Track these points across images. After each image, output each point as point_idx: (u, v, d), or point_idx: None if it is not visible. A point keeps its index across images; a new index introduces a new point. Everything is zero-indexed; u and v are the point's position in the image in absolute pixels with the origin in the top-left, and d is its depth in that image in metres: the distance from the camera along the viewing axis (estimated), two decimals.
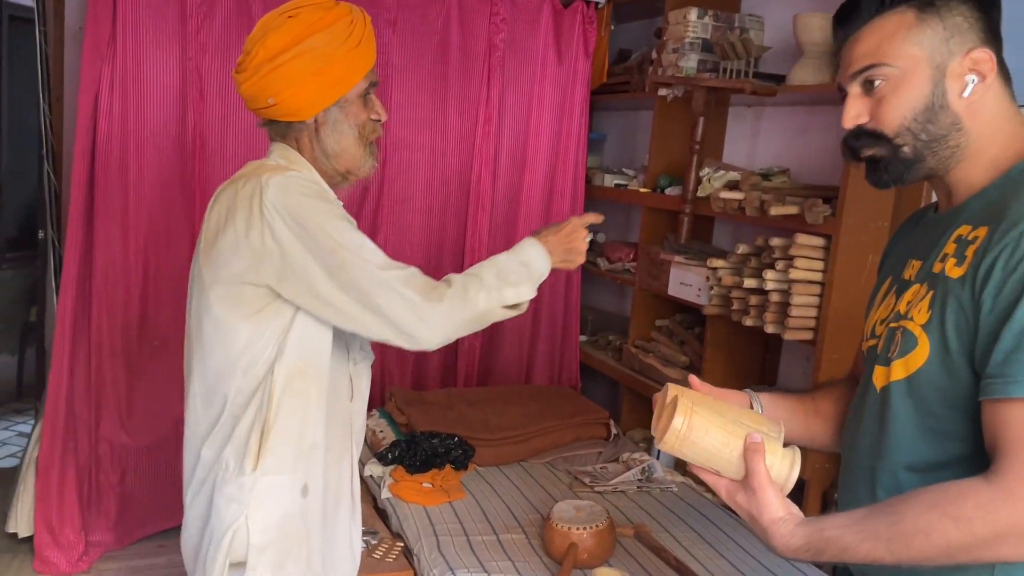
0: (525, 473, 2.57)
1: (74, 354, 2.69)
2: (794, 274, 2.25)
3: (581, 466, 2.62)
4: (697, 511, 2.36)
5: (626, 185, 3.27)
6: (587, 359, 3.40)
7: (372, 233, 3.05)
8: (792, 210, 2.29)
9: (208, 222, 1.48)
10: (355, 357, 1.63)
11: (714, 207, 2.58)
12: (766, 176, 2.60)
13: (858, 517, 1.01)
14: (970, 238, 1.01)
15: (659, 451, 2.87)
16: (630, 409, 3.17)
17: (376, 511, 2.37)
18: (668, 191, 2.92)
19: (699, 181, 2.71)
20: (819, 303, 2.26)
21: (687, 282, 2.73)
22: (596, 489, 2.44)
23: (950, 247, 1.04)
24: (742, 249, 2.44)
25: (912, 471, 1.06)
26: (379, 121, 1.58)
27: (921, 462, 1.06)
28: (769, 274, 2.30)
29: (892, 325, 1.10)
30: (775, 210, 2.31)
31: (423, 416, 2.66)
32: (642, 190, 3.07)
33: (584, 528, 1.98)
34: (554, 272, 3.39)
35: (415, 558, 2.08)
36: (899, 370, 1.07)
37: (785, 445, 1.11)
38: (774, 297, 2.31)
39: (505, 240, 3.27)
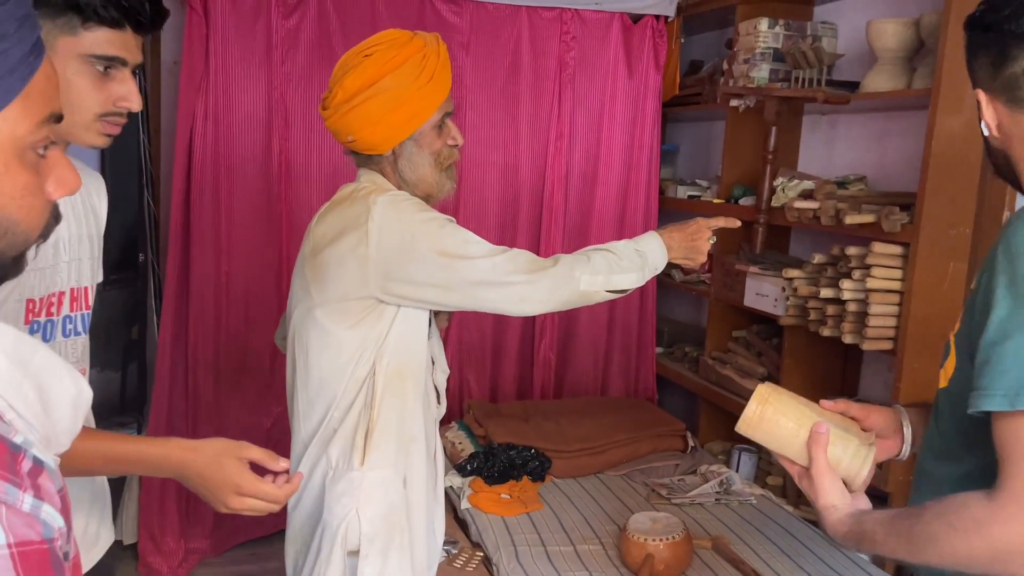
0: (602, 485, 2.59)
1: (173, 370, 2.86)
2: (871, 283, 2.22)
3: (658, 478, 2.63)
4: (776, 523, 2.34)
5: (700, 196, 3.26)
6: (663, 371, 3.40)
7: None
8: (868, 218, 2.26)
9: (309, 243, 1.58)
10: (441, 368, 1.73)
11: (789, 217, 2.56)
12: (842, 184, 2.57)
13: (890, 516, 1.07)
14: (991, 253, 1.04)
15: (738, 463, 2.86)
16: (708, 421, 3.16)
17: (456, 521, 2.43)
18: (742, 201, 2.91)
19: (773, 191, 2.70)
20: (898, 312, 2.22)
21: (763, 292, 2.71)
22: (673, 501, 2.45)
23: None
24: (818, 259, 2.42)
25: (952, 478, 1.08)
26: (456, 146, 1.65)
27: (961, 469, 1.08)
28: (846, 283, 2.27)
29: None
30: (850, 219, 2.28)
31: (500, 428, 2.71)
32: (716, 201, 3.07)
33: (661, 540, 2.00)
34: None
35: (494, 568, 2.13)
36: (942, 378, 1.11)
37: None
38: (851, 307, 2.28)
39: None
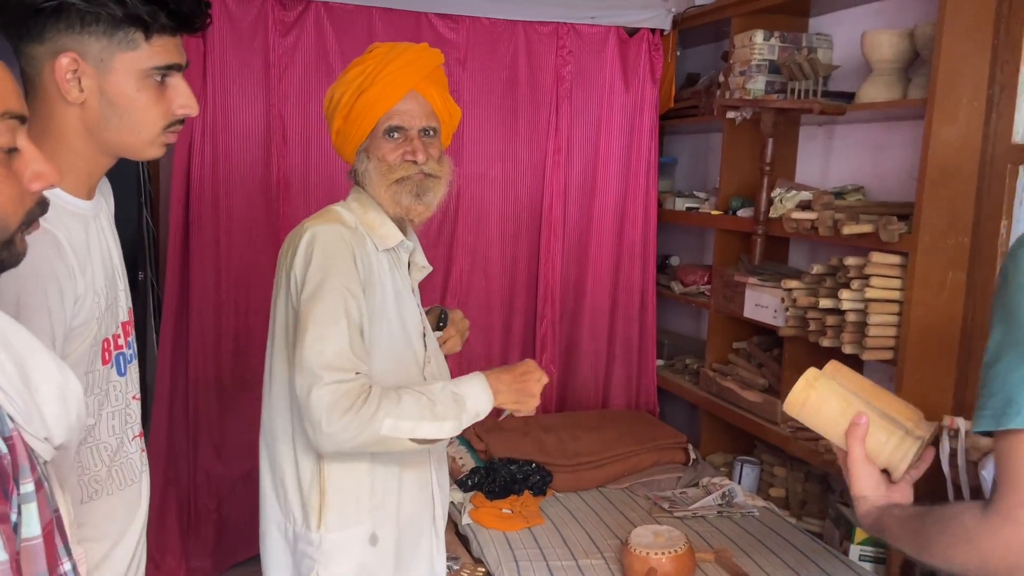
0: (603, 499, 2.58)
1: (173, 388, 2.86)
2: (870, 293, 2.22)
3: (660, 491, 2.62)
4: (779, 535, 2.33)
5: (698, 208, 3.27)
6: (664, 383, 3.40)
7: (448, 266, 3.14)
8: (866, 228, 2.26)
9: (277, 269, 1.59)
10: None
11: (787, 228, 2.56)
12: (839, 194, 2.57)
13: (906, 515, 1.13)
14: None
15: (740, 476, 2.85)
16: (709, 433, 3.15)
17: (457, 536, 2.42)
18: (740, 213, 2.91)
19: (771, 202, 2.70)
20: (898, 322, 2.22)
21: (762, 304, 2.71)
22: (675, 514, 2.44)
23: None
24: (817, 269, 2.42)
25: None
26: (413, 161, 1.56)
27: None
28: (845, 294, 2.27)
29: None
30: (848, 229, 2.28)
31: (501, 443, 2.70)
32: (714, 212, 3.07)
33: (663, 553, 1.99)
34: (628, 296, 3.43)
35: None
36: None
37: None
38: (851, 317, 2.28)
39: (578, 267, 3.31)
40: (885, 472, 1.25)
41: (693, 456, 2.85)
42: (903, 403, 1.30)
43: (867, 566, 2.29)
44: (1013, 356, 0.95)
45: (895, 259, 2.22)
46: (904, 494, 1.21)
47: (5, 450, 0.70)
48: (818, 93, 2.61)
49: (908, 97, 2.37)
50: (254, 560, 3.02)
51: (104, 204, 1.26)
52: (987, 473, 1.81)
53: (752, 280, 2.75)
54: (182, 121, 1.18)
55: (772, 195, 2.70)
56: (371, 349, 1.50)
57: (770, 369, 2.82)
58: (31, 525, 0.72)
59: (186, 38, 2.68)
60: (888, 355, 2.25)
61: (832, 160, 2.86)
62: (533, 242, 3.27)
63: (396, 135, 1.56)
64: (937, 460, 1.92)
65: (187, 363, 2.86)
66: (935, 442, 1.30)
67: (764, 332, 2.93)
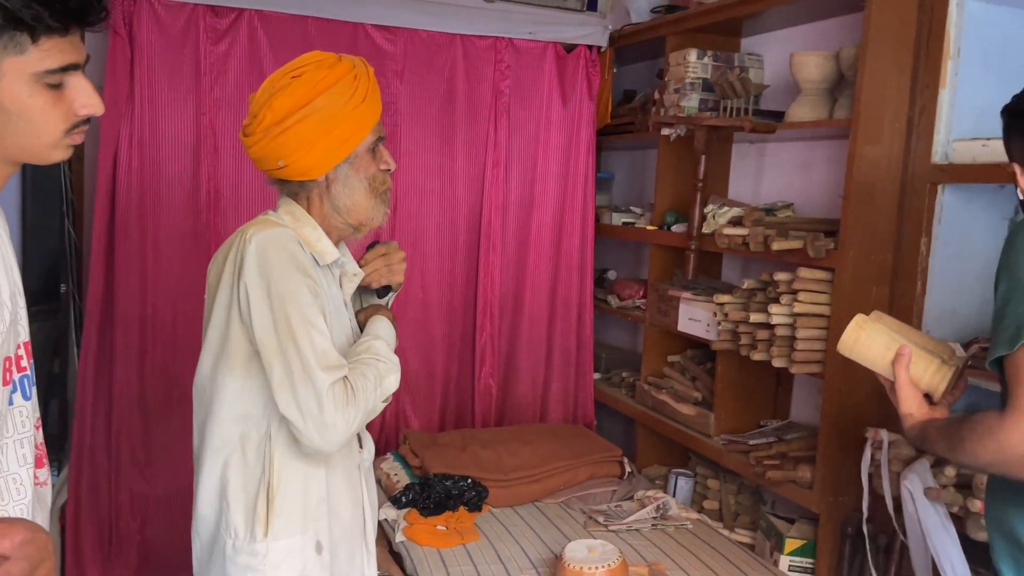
0: (539, 513, 2.57)
1: (95, 405, 2.76)
2: (799, 308, 2.26)
3: (596, 505, 2.63)
4: (712, 547, 2.36)
5: (634, 223, 3.31)
6: (601, 397, 3.41)
7: None
8: (795, 244, 2.31)
9: (209, 276, 1.53)
10: None
11: (719, 243, 2.60)
12: (770, 211, 2.63)
13: (945, 423, 1.35)
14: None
15: (675, 488, 2.87)
16: (645, 446, 3.17)
17: (391, 555, 2.38)
18: (674, 228, 2.95)
19: (704, 218, 2.74)
20: (825, 336, 2.27)
21: (696, 318, 2.75)
22: (610, 528, 2.44)
23: None
24: (748, 284, 2.46)
25: None
26: (388, 171, 1.61)
27: None
28: (774, 308, 2.31)
29: None
30: (778, 245, 2.33)
31: (437, 458, 2.67)
32: (649, 228, 3.11)
33: (596, 568, 1.99)
34: (566, 310, 3.45)
35: None
36: None
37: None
38: (780, 331, 2.32)
39: (516, 281, 3.31)
40: (927, 397, 1.48)
41: (629, 469, 2.87)
42: (936, 340, 1.54)
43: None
44: (1017, 297, 1.22)
45: (823, 275, 2.27)
46: (942, 414, 1.43)
47: None
48: (749, 111, 2.66)
49: (834, 117, 2.44)
50: None
51: (2, 217, 1.19)
52: (908, 483, 1.85)
53: (686, 294, 2.79)
54: (87, 121, 1.12)
55: (705, 211, 2.75)
56: None
57: (703, 382, 2.85)
58: None
59: (112, 47, 2.61)
60: (816, 368, 2.30)
61: (763, 177, 2.93)
62: (472, 256, 3.26)
63: (379, 147, 1.59)
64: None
65: (110, 379, 2.76)
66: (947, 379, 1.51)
67: (698, 346, 2.97)
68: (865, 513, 2.03)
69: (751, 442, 2.53)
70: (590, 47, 3.29)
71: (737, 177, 3.05)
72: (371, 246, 1.77)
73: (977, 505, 1.74)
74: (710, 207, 2.76)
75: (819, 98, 2.49)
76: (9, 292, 1.11)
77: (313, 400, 1.39)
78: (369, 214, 1.58)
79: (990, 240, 2.17)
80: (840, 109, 2.43)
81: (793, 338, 2.29)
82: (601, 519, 2.49)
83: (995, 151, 1.87)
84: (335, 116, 1.48)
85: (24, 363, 1.15)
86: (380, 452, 3.07)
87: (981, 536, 1.75)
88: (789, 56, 2.54)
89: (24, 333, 1.17)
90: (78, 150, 2.94)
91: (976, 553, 1.80)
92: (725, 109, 2.73)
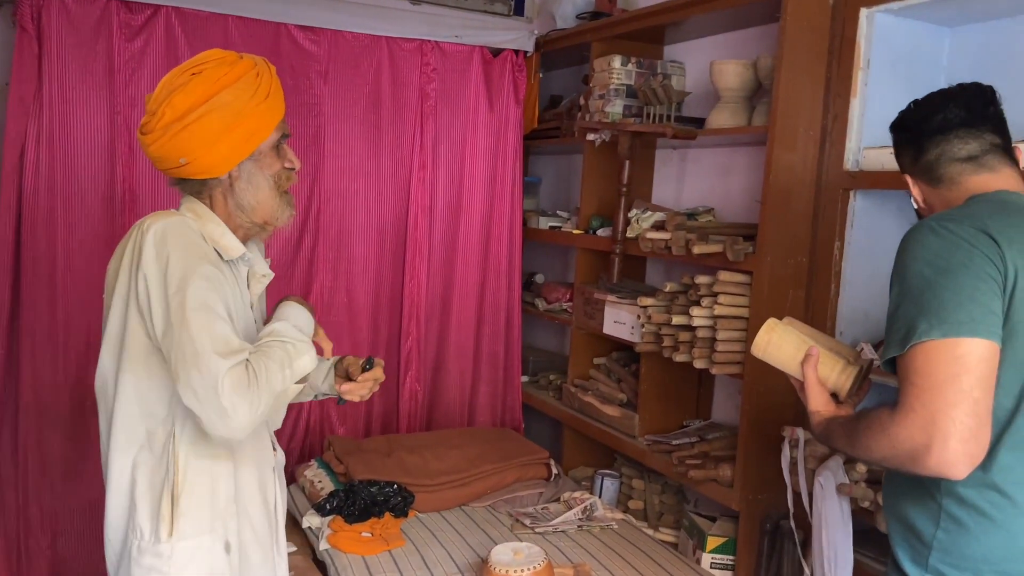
0: (466, 517, 2.57)
1: (0, 414, 2.63)
2: (719, 310, 2.32)
3: (522, 507, 2.63)
4: (636, 547, 2.39)
5: (560, 227, 3.33)
6: (529, 399, 3.43)
7: (308, 282, 3.06)
8: (715, 248, 2.36)
9: (108, 272, 1.49)
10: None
11: (643, 247, 2.64)
12: (691, 215, 2.68)
13: (846, 421, 1.43)
14: None
15: (601, 489, 2.90)
16: (572, 448, 3.20)
17: (315, 563, 2.34)
18: (600, 232, 2.99)
19: (628, 222, 2.78)
20: (744, 337, 2.33)
21: (621, 320, 2.78)
22: (537, 530, 2.45)
23: None
24: (670, 287, 2.51)
25: None
26: (293, 169, 1.59)
27: None
28: (695, 311, 2.36)
29: None
30: (699, 249, 2.38)
31: (362, 464, 2.64)
32: (575, 232, 3.14)
33: (522, 570, 1.99)
34: (494, 314, 3.45)
35: None
36: None
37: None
38: (701, 333, 2.37)
39: (443, 285, 3.30)
40: (834, 396, 1.55)
41: (555, 471, 2.88)
42: (841, 343, 1.62)
43: (717, 573, 2.38)
44: (907, 303, 1.29)
45: (742, 277, 2.33)
46: (847, 412, 1.49)
47: None
48: (672, 118, 2.71)
49: (752, 124, 2.50)
50: None
51: None
52: (823, 480, 1.91)
53: (611, 298, 2.82)
54: None
55: (629, 215, 2.79)
56: None
57: (628, 384, 2.89)
58: None
59: (19, 43, 2.50)
60: (736, 369, 2.35)
61: (685, 182, 2.99)
62: (398, 259, 3.23)
63: (283, 145, 1.56)
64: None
65: (17, 389, 2.64)
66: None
67: (623, 348, 3.01)
68: (791, 510, 2.09)
69: (674, 442, 2.58)
70: (516, 52, 3.30)
71: (660, 182, 3.10)
72: (368, 361, 1.76)
73: None
74: (634, 211, 2.80)
75: (738, 105, 2.55)
76: None
77: (209, 385, 1.34)
78: (274, 212, 1.56)
79: (899, 244, 2.26)
80: (758, 116, 2.49)
81: (714, 340, 2.34)
82: (527, 521, 2.50)
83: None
84: (239, 112, 1.46)
85: None
86: (304, 459, 3.02)
87: None
88: (709, 64, 2.60)
89: None
90: None
91: (884, 545, 1.87)
92: (648, 115, 2.77)
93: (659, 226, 2.67)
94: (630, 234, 2.76)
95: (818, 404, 1.52)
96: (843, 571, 1.88)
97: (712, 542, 2.41)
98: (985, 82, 1.47)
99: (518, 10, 3.33)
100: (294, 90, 2.95)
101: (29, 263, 2.62)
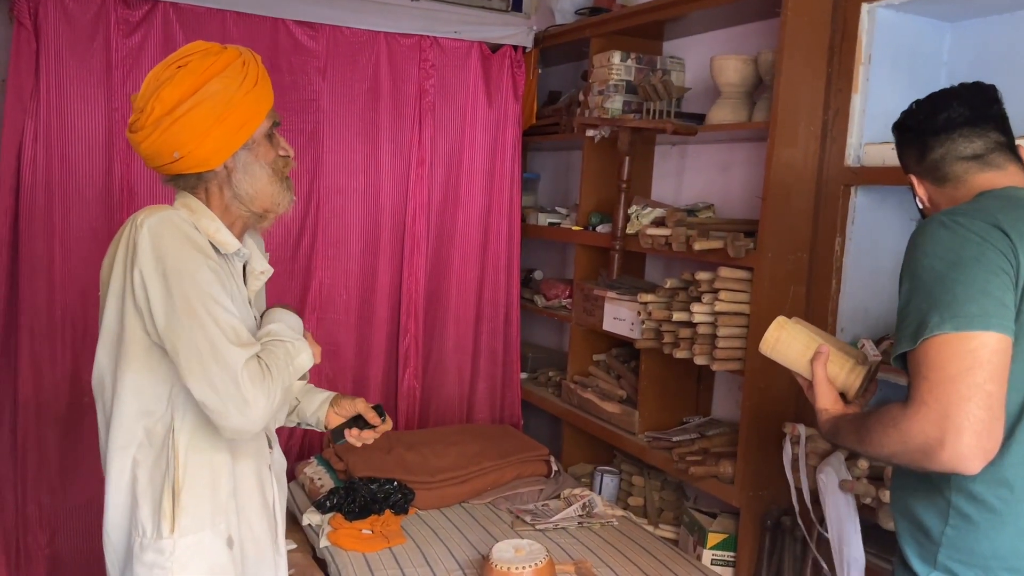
0: (466, 514, 2.56)
1: None
2: (720, 306, 2.31)
3: (522, 504, 2.63)
4: (637, 543, 2.39)
5: (559, 223, 3.33)
6: (528, 396, 3.42)
7: (307, 278, 3.05)
8: (716, 244, 2.36)
9: (103, 268, 1.48)
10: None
11: (642, 244, 2.64)
12: (691, 212, 2.67)
13: (855, 418, 1.42)
14: None
15: (601, 486, 2.90)
16: (571, 444, 3.19)
17: (315, 561, 2.33)
18: (599, 229, 2.98)
19: (627, 218, 2.78)
20: (745, 334, 2.32)
21: (620, 317, 2.78)
22: (537, 527, 2.45)
23: None
24: (670, 283, 2.50)
25: None
26: (288, 157, 1.58)
27: None
28: (696, 307, 2.35)
29: None
30: (699, 245, 2.37)
31: (361, 461, 2.63)
32: (574, 228, 3.13)
33: (523, 567, 1.99)
34: (492, 310, 3.45)
35: None
36: None
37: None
38: (702, 329, 2.37)
39: (442, 281, 3.29)
40: (841, 396, 1.54)
41: (555, 468, 2.88)
42: (849, 346, 1.60)
43: (718, 569, 2.38)
44: (918, 298, 1.28)
45: (743, 274, 2.33)
46: (855, 411, 1.49)
47: None
48: (671, 114, 2.71)
49: (753, 119, 2.50)
50: None
51: None
52: (824, 476, 1.91)
53: (610, 294, 2.82)
54: None
55: (629, 212, 2.78)
56: None
57: (628, 381, 2.89)
58: None
59: (16, 38, 2.49)
60: (737, 366, 2.35)
61: (684, 178, 2.98)
62: (396, 255, 3.22)
63: (275, 133, 1.55)
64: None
65: (15, 386, 2.63)
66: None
67: (622, 344, 3.01)
68: (796, 507, 2.09)
69: (674, 439, 2.58)
70: (515, 47, 3.29)
71: (659, 178, 3.10)
72: (377, 407, 1.78)
73: (888, 496, 1.81)
74: (633, 208, 2.79)
75: (738, 101, 2.54)
76: None
77: (228, 377, 1.34)
78: (275, 199, 1.55)
79: (900, 240, 2.24)
80: (759, 112, 2.49)
81: (714, 336, 2.33)
82: (528, 518, 2.50)
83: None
84: (228, 101, 1.44)
85: None
86: (304, 456, 3.02)
87: (891, 525, 1.82)
88: (709, 60, 2.60)
89: None
90: None
91: (886, 542, 1.87)
92: (648, 111, 2.76)
93: (659, 222, 2.66)
94: (630, 230, 2.76)
95: (826, 402, 1.51)
96: (855, 571, 1.87)
97: (713, 538, 2.41)
98: (986, 78, 1.47)
99: (516, 6, 3.31)
100: (292, 86, 2.93)
101: (27, 260, 2.60)
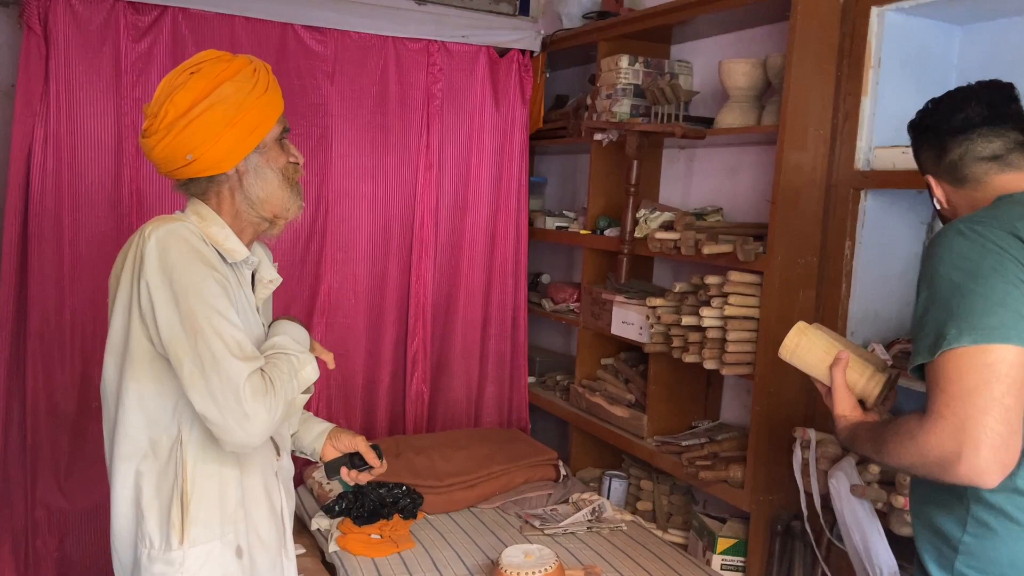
0: (475, 519, 2.56)
1: (8, 416, 2.62)
2: (729, 311, 2.30)
3: (531, 509, 2.62)
4: (646, 548, 2.38)
5: (567, 227, 3.32)
6: (536, 400, 3.42)
7: (315, 283, 3.05)
8: (725, 248, 2.35)
9: (111, 278, 1.49)
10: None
11: (651, 247, 2.63)
12: (700, 215, 2.67)
13: (873, 426, 1.42)
14: None
15: (609, 490, 2.89)
16: (579, 449, 3.19)
17: (324, 565, 2.33)
18: (607, 232, 2.98)
19: (636, 222, 2.77)
20: (755, 338, 2.32)
21: (629, 321, 2.77)
22: (546, 532, 2.44)
23: None
24: (679, 287, 2.50)
25: None
26: (298, 163, 1.59)
27: None
28: (705, 311, 2.35)
29: None
30: (708, 249, 2.37)
31: None
32: (582, 232, 3.13)
33: (533, 572, 1.98)
34: (500, 314, 3.44)
35: None
36: None
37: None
38: (711, 333, 2.36)
39: (449, 285, 3.29)
40: (860, 403, 1.53)
41: (563, 472, 2.87)
42: (869, 353, 1.59)
43: (728, 575, 2.37)
44: (935, 308, 1.27)
45: (752, 278, 2.32)
46: (874, 417, 1.49)
47: None
48: (680, 117, 2.70)
49: (762, 123, 2.49)
50: None
51: None
52: (835, 481, 1.90)
53: (618, 298, 2.81)
54: None
55: (637, 215, 2.78)
56: None
57: (636, 385, 2.88)
58: None
59: (26, 43, 2.50)
60: (746, 370, 2.34)
61: (693, 182, 2.98)
62: (404, 260, 3.22)
63: (285, 139, 1.57)
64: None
65: (24, 390, 2.63)
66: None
67: (631, 348, 3.00)
68: (805, 512, 2.08)
69: (683, 443, 2.57)
70: (523, 51, 3.29)
71: (667, 182, 3.09)
72: (375, 447, 1.78)
73: (900, 501, 1.80)
74: (642, 211, 2.79)
75: (747, 105, 2.54)
76: None
77: (230, 391, 1.34)
78: (285, 204, 1.56)
79: (910, 244, 2.25)
80: (767, 115, 2.48)
81: (724, 340, 2.33)
82: (537, 523, 2.49)
83: (913, 158, 1.94)
84: (240, 104, 1.46)
85: None
86: (311, 461, 3.01)
87: (904, 531, 1.81)
88: (718, 63, 2.59)
89: None
90: None
91: (898, 548, 1.86)
92: (656, 115, 2.76)
93: (667, 226, 2.66)
94: (638, 234, 2.75)
95: (845, 408, 1.51)
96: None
97: (722, 543, 2.41)
98: None
99: (524, 10, 3.32)
100: (300, 91, 2.94)
101: (36, 264, 2.61)
